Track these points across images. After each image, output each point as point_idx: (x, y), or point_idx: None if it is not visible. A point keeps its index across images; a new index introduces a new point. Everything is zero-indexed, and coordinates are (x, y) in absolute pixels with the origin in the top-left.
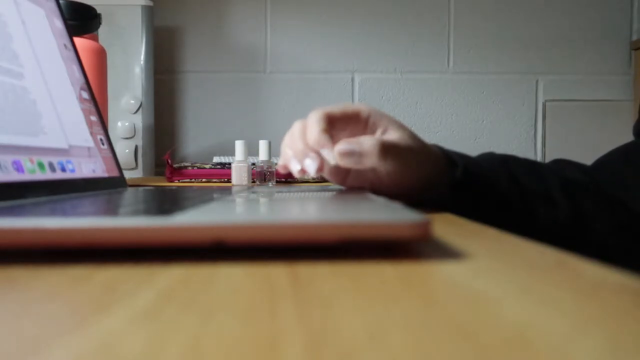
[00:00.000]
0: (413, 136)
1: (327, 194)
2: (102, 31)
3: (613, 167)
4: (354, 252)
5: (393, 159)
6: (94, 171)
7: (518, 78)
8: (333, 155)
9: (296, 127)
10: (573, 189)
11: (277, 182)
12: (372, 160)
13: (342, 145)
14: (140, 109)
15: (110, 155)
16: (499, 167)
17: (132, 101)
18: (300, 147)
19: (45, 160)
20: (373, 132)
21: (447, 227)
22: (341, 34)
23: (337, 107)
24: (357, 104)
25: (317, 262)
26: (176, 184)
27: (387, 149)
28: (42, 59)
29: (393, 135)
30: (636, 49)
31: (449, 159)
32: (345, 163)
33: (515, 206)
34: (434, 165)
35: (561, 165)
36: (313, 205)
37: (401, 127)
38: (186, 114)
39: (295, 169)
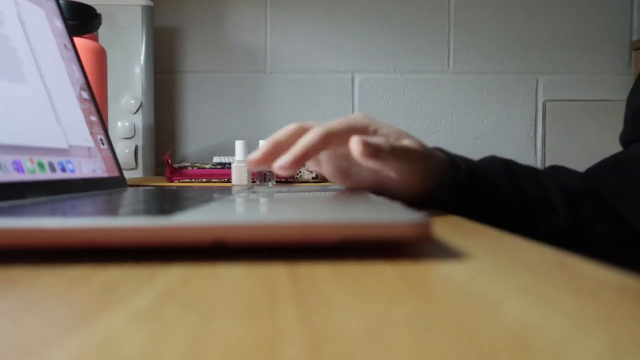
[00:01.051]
0: (421, 144)
1: (327, 194)
2: (102, 31)
3: (602, 174)
4: (354, 252)
5: (404, 160)
6: (94, 171)
7: (518, 78)
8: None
9: (291, 129)
10: (572, 195)
11: (277, 182)
12: (385, 153)
13: (357, 137)
14: (140, 109)
15: (110, 155)
16: (501, 171)
17: (132, 101)
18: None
19: (45, 160)
20: None
21: (447, 227)
22: (341, 34)
23: (342, 123)
24: (360, 117)
25: (317, 262)
26: (176, 184)
27: (397, 149)
28: (42, 59)
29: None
30: (636, 49)
31: (452, 162)
32: (361, 151)
33: (516, 211)
34: (439, 168)
35: (558, 171)
36: (313, 205)
37: (408, 137)
38: (186, 114)
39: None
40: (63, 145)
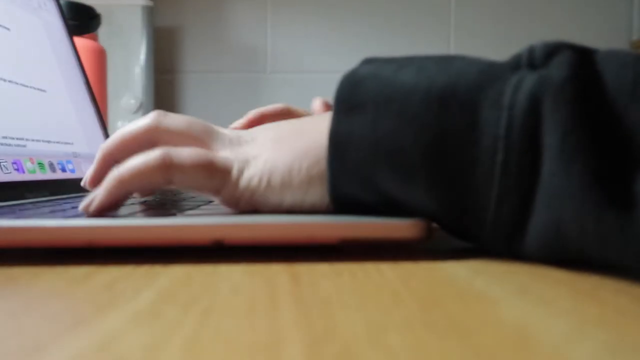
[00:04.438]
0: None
1: None
2: (102, 31)
3: None
4: (354, 252)
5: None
6: None
7: None
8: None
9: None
10: None
11: None
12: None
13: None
14: (141, 109)
15: None
16: None
17: (132, 101)
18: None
19: (45, 160)
20: None
21: None
22: (342, 34)
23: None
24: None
25: (317, 262)
26: None
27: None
28: (41, 58)
29: None
30: (636, 49)
31: None
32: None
33: None
34: None
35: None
36: None
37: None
38: (186, 114)
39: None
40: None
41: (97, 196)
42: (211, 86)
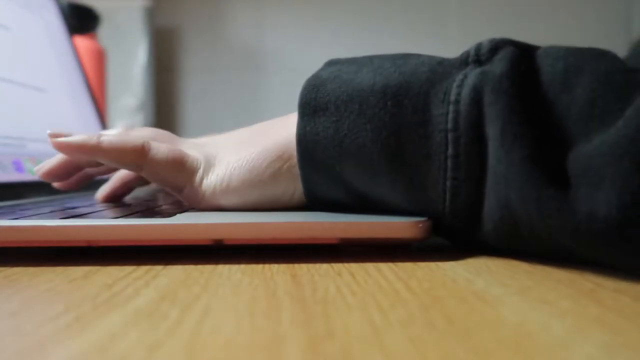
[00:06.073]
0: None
1: None
2: (102, 31)
3: None
4: (354, 252)
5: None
6: None
7: None
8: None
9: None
10: None
11: None
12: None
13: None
14: (141, 109)
15: None
16: None
17: (132, 101)
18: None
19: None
20: None
21: None
22: (341, 34)
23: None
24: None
25: (317, 262)
26: None
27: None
28: (42, 58)
29: None
30: None
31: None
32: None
33: None
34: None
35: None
36: None
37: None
38: (186, 114)
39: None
40: None
41: (71, 138)
42: (211, 86)
